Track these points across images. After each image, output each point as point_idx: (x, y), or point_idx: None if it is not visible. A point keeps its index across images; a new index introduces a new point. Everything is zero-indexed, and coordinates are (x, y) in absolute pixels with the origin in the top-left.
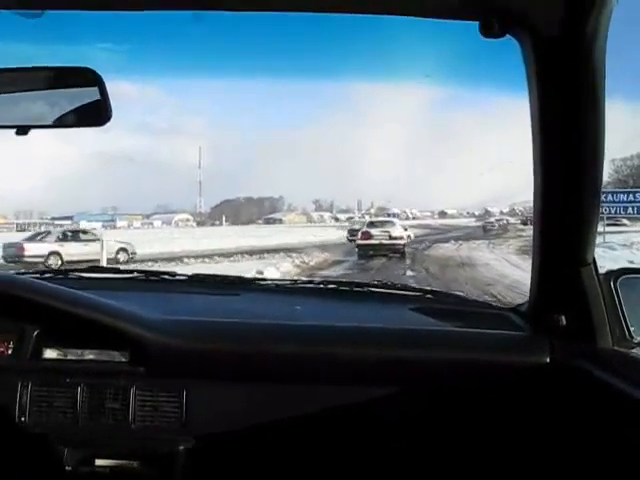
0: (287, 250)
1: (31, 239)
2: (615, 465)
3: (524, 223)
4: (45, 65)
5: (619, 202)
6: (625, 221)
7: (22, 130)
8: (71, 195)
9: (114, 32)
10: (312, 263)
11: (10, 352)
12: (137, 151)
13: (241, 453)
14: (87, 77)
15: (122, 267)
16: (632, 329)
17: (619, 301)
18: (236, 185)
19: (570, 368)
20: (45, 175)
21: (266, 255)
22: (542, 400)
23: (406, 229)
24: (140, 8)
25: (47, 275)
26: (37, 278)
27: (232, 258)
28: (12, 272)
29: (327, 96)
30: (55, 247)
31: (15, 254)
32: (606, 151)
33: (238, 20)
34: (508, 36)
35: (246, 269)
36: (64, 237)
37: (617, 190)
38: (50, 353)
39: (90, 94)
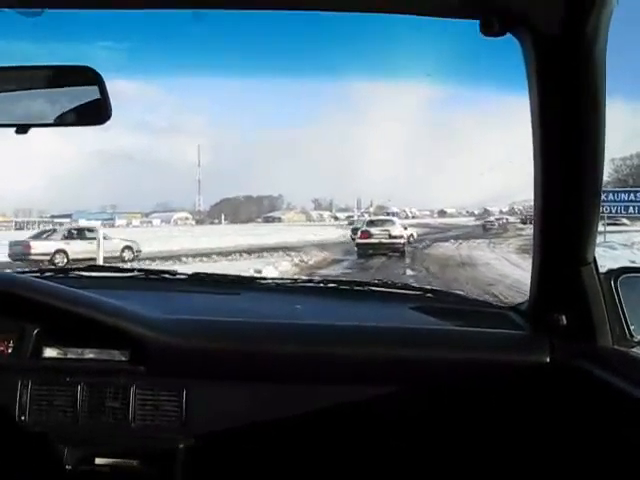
0: (286, 249)
1: (37, 237)
2: (615, 464)
3: (523, 222)
4: (45, 64)
5: (620, 201)
6: (625, 220)
7: (22, 129)
8: (70, 193)
9: (114, 31)
10: (311, 262)
11: (10, 351)
12: (137, 150)
13: (241, 452)
14: (87, 76)
15: (123, 266)
16: (632, 328)
17: (619, 300)
18: (235, 184)
19: (570, 367)
20: (45, 174)
21: (265, 254)
22: (542, 399)
23: (406, 228)
24: (140, 7)
25: (47, 274)
26: (37, 277)
27: (230, 257)
28: (9, 271)
29: (327, 95)
30: (61, 245)
31: (22, 252)
32: (606, 150)
33: (238, 19)
34: (509, 35)
35: (244, 268)
36: (70, 235)
37: (618, 189)
38: (50, 352)
39: (90, 93)
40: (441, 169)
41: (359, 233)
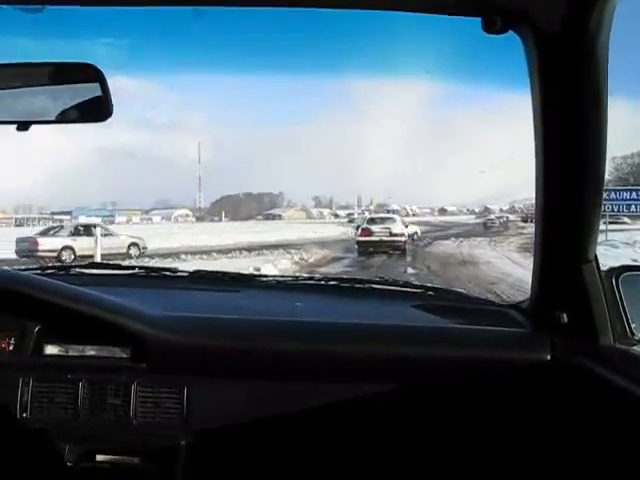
0: (286, 246)
1: (44, 233)
2: (616, 463)
3: (524, 220)
4: (46, 61)
5: (622, 200)
6: (626, 219)
7: (23, 126)
8: (71, 190)
9: (115, 27)
10: (311, 260)
11: (11, 348)
12: (137, 146)
13: (242, 449)
14: (88, 73)
15: (126, 263)
16: (633, 326)
17: (620, 298)
18: (236, 181)
19: (571, 365)
20: (45, 170)
21: (265, 251)
22: (543, 397)
23: (407, 225)
24: (141, 4)
25: (48, 271)
26: (38, 274)
27: (230, 254)
28: (7, 268)
29: (327, 92)
30: (68, 241)
31: (28, 248)
32: (607, 149)
33: (238, 16)
34: (510, 32)
35: (244, 266)
36: (77, 231)
37: (620, 188)
38: (51, 349)
39: (91, 90)
40: (442, 167)
41: (359, 230)
